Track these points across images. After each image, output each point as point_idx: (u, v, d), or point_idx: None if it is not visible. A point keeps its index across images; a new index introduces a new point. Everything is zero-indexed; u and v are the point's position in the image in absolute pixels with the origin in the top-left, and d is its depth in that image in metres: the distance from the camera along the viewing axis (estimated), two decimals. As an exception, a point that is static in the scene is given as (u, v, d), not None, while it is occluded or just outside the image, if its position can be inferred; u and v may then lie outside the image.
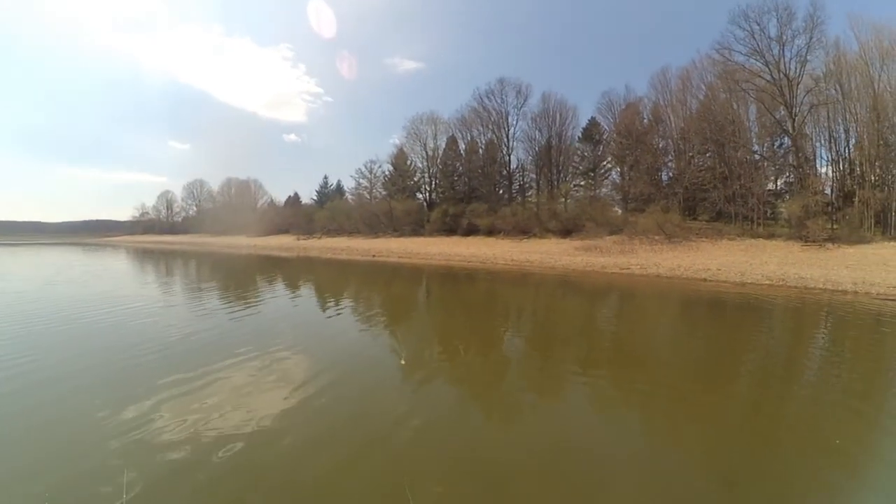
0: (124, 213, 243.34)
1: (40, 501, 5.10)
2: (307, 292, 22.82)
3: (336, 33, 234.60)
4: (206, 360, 10.10)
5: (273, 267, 38.59)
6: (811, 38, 37.81)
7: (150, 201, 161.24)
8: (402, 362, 5.27)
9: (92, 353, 10.82)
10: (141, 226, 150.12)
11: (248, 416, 7.22)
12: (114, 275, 31.14)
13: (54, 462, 5.98)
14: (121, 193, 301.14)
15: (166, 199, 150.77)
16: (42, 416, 7.37)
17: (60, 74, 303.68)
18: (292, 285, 25.27)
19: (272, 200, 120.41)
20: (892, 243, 28.91)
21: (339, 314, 16.82)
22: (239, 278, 30.05)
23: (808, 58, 38.34)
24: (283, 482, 5.54)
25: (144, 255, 55.43)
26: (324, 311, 17.77)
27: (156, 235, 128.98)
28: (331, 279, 29.79)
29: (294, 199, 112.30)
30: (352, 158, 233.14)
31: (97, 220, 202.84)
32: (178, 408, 7.54)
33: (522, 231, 51.26)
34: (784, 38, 38.70)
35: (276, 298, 20.30)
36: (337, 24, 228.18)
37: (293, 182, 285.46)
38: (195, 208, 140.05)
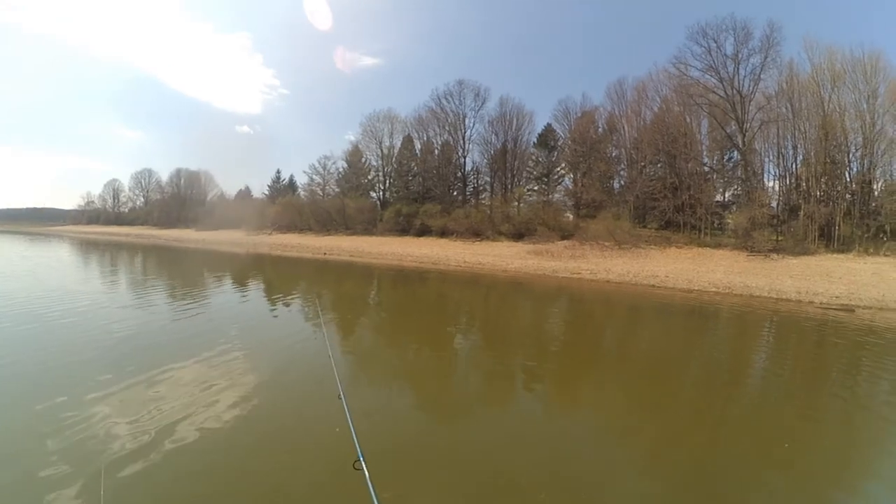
0: (69, 202, 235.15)
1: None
2: (256, 291, 22.03)
3: (296, 24, 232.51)
4: (151, 360, 9.74)
5: (223, 263, 37.34)
6: (766, 58, 39.10)
7: (96, 190, 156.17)
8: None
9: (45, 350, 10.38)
10: (86, 215, 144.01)
11: (187, 416, 7.14)
12: (63, 270, 29.64)
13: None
14: (65, 180, 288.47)
15: (113, 189, 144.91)
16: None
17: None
18: (241, 283, 24.33)
19: (223, 193, 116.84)
20: (835, 255, 29.54)
21: (288, 314, 16.31)
22: (188, 275, 28.78)
23: (762, 76, 39.62)
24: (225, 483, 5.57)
25: (91, 248, 52.92)
26: (272, 310, 17.14)
27: (102, 226, 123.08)
28: (281, 277, 29.00)
29: (245, 193, 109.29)
30: (306, 153, 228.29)
31: (40, 209, 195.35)
32: (122, 406, 7.48)
33: (475, 233, 50.88)
34: (740, 56, 39.89)
35: (223, 296, 19.56)
36: (298, 16, 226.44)
37: (245, 175, 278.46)
38: (143, 199, 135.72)
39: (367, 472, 2.97)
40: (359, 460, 3.17)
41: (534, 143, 61.29)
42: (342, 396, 4.28)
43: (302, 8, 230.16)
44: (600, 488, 5.65)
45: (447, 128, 64.95)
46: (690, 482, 5.81)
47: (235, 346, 11.14)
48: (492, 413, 8.05)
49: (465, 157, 64.45)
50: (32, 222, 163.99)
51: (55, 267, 30.10)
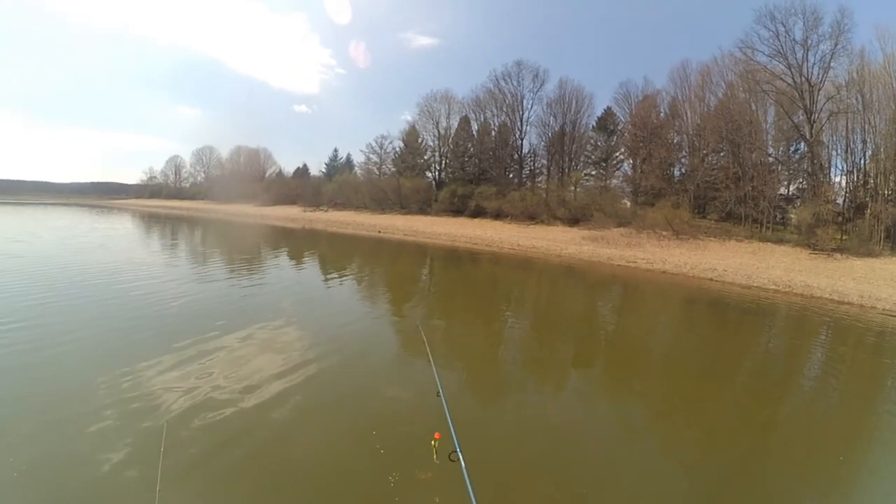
0: (133, 177, 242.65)
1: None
2: (311, 266, 22.91)
3: (351, 4, 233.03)
4: (212, 328, 10.49)
5: (280, 238, 38.70)
6: (836, 45, 37.19)
7: (158, 166, 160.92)
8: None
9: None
10: (149, 190, 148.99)
11: (245, 385, 7.63)
12: (131, 242, 31.28)
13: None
14: (129, 157, 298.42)
15: (175, 164, 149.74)
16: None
17: (71, 41, 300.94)
18: (297, 258, 25.38)
19: (281, 170, 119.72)
20: (901, 258, 28.65)
21: (341, 289, 16.95)
22: (249, 248, 30.24)
23: (832, 64, 37.75)
24: (275, 456, 5.79)
25: (154, 221, 55.67)
26: (327, 286, 17.83)
27: (163, 200, 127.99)
28: (336, 253, 29.84)
29: (303, 171, 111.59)
30: (362, 132, 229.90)
31: (105, 183, 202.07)
32: (187, 369, 8.18)
33: (530, 217, 51.13)
34: (809, 42, 38.11)
35: (281, 271, 20.45)
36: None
37: (302, 153, 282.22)
38: (203, 175, 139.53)
39: (463, 463, 3.05)
40: (455, 451, 3.24)
41: (593, 126, 60.64)
42: (441, 393, 4.39)
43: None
44: (641, 485, 5.74)
45: (505, 109, 64.74)
46: (733, 486, 5.84)
47: (299, 321, 12.01)
48: (535, 400, 8.27)
49: (522, 139, 64.27)
50: (98, 195, 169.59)
51: (124, 238, 31.79)
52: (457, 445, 3.36)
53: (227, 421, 6.44)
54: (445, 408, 3.77)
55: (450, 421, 3.65)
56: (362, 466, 5.70)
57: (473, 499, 2.62)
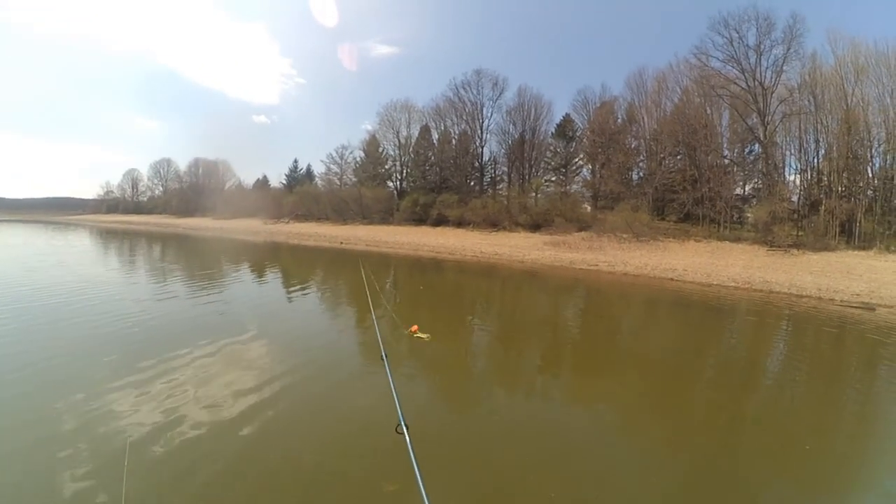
0: (89, 191, 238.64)
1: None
2: (273, 280, 22.32)
3: (312, 12, 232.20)
4: (173, 346, 9.94)
5: (240, 252, 37.72)
6: (788, 50, 38.62)
7: (115, 179, 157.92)
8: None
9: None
10: (106, 205, 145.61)
11: (210, 403, 7.24)
12: (89, 259, 30.19)
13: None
14: (85, 170, 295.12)
15: (132, 178, 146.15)
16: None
17: (20, 48, 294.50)
18: (259, 272, 24.70)
19: (240, 182, 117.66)
20: (855, 252, 29.31)
21: (305, 301, 16.55)
22: (207, 263, 29.31)
23: (784, 68, 39.23)
24: (247, 472, 5.55)
25: (111, 237, 53.60)
26: (289, 298, 17.35)
27: (121, 215, 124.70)
28: (298, 266, 29.28)
29: (263, 182, 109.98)
30: (323, 143, 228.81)
31: (61, 198, 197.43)
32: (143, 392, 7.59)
33: (492, 224, 50.95)
34: (762, 47, 39.41)
35: (242, 285, 19.84)
36: (314, 4, 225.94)
37: (262, 164, 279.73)
38: (161, 188, 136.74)
39: (408, 437, 3.00)
40: (400, 424, 3.18)
41: (552, 133, 60.86)
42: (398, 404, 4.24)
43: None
44: (607, 483, 5.68)
45: (465, 117, 64.71)
46: (702, 480, 5.85)
47: (261, 336, 11.37)
48: (499, 404, 8.13)
49: (482, 148, 64.24)
50: (53, 211, 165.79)
51: (82, 256, 30.68)
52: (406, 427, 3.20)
53: (196, 439, 6.10)
54: (402, 416, 3.50)
55: (401, 415, 3.38)
56: (337, 479, 5.49)
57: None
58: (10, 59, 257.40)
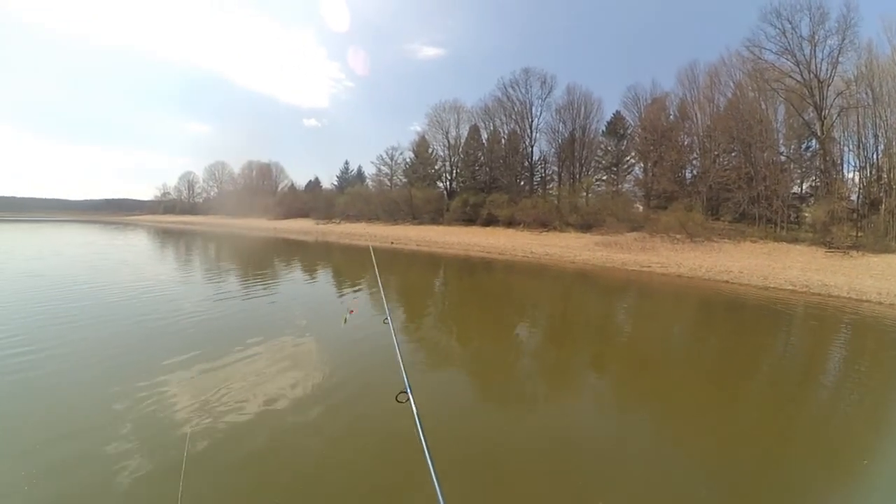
0: (145, 193, 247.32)
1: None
2: (326, 279, 23.09)
3: (357, 17, 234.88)
4: (231, 342, 10.62)
5: (293, 251, 39.03)
6: (843, 40, 37.26)
7: (171, 182, 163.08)
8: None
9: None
10: (162, 206, 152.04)
11: (258, 397, 7.65)
12: (152, 259, 31.68)
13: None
14: (141, 174, 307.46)
15: (188, 180, 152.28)
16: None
17: (80, 59, 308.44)
18: (312, 271, 25.65)
19: (293, 184, 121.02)
20: (919, 254, 28.42)
21: (356, 300, 17.04)
22: (263, 261, 30.60)
23: (840, 59, 37.80)
24: (282, 464, 5.81)
25: (171, 236, 56.28)
26: (341, 299, 17.88)
27: (177, 216, 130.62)
28: (350, 265, 29.99)
29: (315, 184, 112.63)
30: (373, 144, 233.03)
31: (119, 199, 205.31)
32: (198, 385, 8.13)
33: (542, 224, 51.18)
34: (816, 38, 38.18)
35: (292, 284, 20.62)
36: (357, 8, 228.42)
37: (314, 166, 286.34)
38: (216, 190, 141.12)
39: (413, 405, 2.92)
40: (405, 392, 3.09)
41: (602, 131, 60.91)
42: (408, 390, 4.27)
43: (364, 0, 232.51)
44: (660, 489, 5.69)
45: (514, 117, 65.28)
46: (753, 491, 5.70)
47: (310, 332, 12.16)
48: (545, 406, 8.26)
49: (532, 147, 64.62)
50: (111, 212, 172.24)
51: (143, 255, 32.27)
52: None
53: (252, 434, 6.46)
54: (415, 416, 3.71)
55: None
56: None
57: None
58: (73, 72, 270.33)
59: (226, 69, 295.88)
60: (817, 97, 37.96)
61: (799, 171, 42.97)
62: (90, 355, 9.47)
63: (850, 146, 39.36)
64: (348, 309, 4.22)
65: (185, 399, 7.41)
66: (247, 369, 8.90)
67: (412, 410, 2.79)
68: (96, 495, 5.06)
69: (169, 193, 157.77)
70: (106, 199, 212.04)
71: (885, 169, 35.69)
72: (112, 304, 14.48)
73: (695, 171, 50.08)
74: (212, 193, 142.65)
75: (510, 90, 64.69)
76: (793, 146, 43.85)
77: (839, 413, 8.45)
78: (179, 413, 6.94)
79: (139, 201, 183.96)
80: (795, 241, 34.19)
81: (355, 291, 19.03)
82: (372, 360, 9.78)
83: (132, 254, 32.48)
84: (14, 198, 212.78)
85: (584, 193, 56.67)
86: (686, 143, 51.25)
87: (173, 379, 8.27)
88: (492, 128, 68.42)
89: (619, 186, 57.47)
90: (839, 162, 39.62)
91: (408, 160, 79.44)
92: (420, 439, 2.45)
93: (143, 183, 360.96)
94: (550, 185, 63.89)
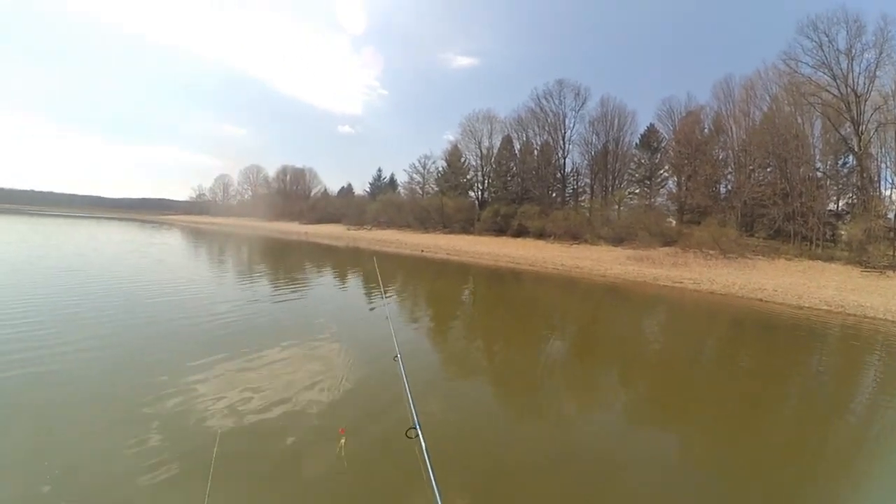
0: (179, 193, 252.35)
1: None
2: (356, 284, 23.57)
3: (392, 26, 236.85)
4: (263, 343, 10.96)
5: (326, 255, 39.96)
6: (881, 53, 36.97)
7: (206, 183, 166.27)
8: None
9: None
10: (197, 206, 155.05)
11: (284, 398, 7.84)
12: (187, 259, 32.34)
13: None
14: (176, 173, 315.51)
15: (223, 183, 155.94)
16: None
17: (126, 68, 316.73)
18: (342, 276, 26.27)
19: (326, 189, 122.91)
20: (957, 275, 27.96)
21: (387, 307, 17.27)
22: (297, 266, 31.61)
23: (877, 73, 37.44)
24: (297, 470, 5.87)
25: (206, 237, 57.94)
26: (371, 305, 18.21)
27: (211, 217, 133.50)
28: (381, 271, 30.34)
29: (347, 190, 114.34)
30: (406, 152, 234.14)
31: (155, 199, 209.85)
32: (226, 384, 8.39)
33: (573, 236, 51.29)
34: (853, 51, 37.94)
35: (322, 288, 21.27)
36: (393, 17, 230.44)
37: (347, 172, 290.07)
38: (250, 193, 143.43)
39: (422, 441, 2.99)
40: (413, 428, 3.21)
41: (636, 144, 60.94)
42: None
43: (399, 9, 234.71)
44: None
45: (547, 128, 65.60)
46: None
47: (337, 336, 12.40)
48: (565, 422, 8.18)
49: (564, 158, 64.91)
50: (147, 211, 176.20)
51: (181, 255, 33.96)
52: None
53: (279, 437, 6.55)
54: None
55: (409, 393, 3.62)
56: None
57: None
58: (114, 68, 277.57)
59: (263, 73, 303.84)
60: (854, 112, 37.61)
61: (835, 187, 42.43)
62: (122, 353, 9.80)
63: (888, 162, 38.97)
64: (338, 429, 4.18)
65: (212, 400, 7.61)
66: (278, 371, 9.23)
67: (421, 447, 2.93)
68: (122, 494, 5.13)
69: (204, 195, 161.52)
70: (143, 199, 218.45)
71: (923, 187, 35.18)
72: (148, 304, 14.95)
73: (729, 186, 49.66)
74: (246, 196, 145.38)
75: (544, 101, 65.19)
76: (829, 162, 43.32)
77: (871, 440, 8.29)
78: (208, 414, 7.10)
79: (174, 201, 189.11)
80: (831, 259, 33.77)
81: (371, 309, 19.27)
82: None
83: (168, 253, 33.70)
84: (53, 193, 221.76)
85: (617, 206, 56.70)
86: (721, 157, 51.01)
87: (201, 378, 8.53)
88: (524, 139, 68.97)
89: (652, 200, 57.38)
90: (876, 179, 39.21)
91: (440, 169, 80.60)
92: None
93: (177, 183, 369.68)
94: (582, 198, 64.12)
